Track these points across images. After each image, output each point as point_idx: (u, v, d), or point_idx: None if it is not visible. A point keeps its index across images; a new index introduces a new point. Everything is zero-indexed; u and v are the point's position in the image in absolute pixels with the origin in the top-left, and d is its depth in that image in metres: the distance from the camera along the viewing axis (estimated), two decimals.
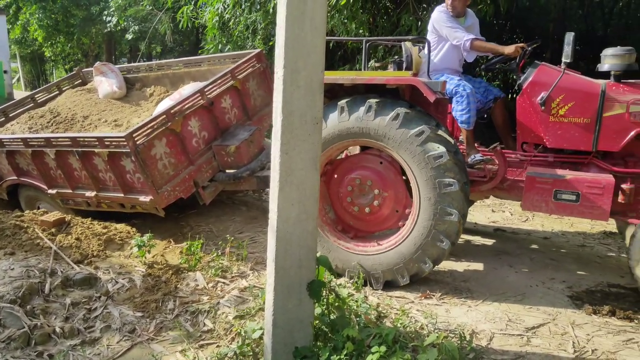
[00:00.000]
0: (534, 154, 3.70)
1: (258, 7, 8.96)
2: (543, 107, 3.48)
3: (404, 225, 3.55)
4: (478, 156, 3.70)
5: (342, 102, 3.51)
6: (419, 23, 7.07)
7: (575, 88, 3.42)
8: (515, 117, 3.70)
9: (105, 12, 17.56)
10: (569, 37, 3.24)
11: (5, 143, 4.90)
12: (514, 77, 3.81)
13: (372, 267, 3.55)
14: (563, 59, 3.30)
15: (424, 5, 7.79)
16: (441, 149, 3.26)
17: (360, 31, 7.35)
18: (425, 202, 3.33)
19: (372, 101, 3.41)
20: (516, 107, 3.66)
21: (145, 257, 3.89)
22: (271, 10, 8.51)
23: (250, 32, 9.64)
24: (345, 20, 7.33)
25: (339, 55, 9.20)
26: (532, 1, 10.14)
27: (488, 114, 4.04)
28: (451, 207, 3.28)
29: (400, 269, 3.47)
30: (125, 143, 3.93)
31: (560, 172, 3.42)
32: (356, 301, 3.11)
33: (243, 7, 9.04)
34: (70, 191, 4.67)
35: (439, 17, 3.91)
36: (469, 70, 4.29)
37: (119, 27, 17.03)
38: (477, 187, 3.79)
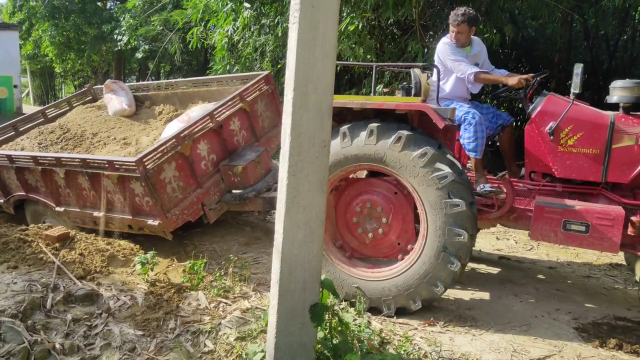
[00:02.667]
0: (543, 183, 3.68)
1: (267, 30, 9.12)
2: (552, 137, 3.49)
3: (402, 258, 3.54)
4: (487, 186, 3.67)
5: (344, 128, 3.50)
6: (426, 50, 7.18)
7: (584, 119, 3.43)
8: (522, 145, 3.71)
9: (117, 31, 17.86)
10: (578, 68, 3.27)
11: (15, 159, 4.92)
12: (521, 106, 3.83)
13: (381, 293, 3.50)
14: (572, 90, 3.33)
15: (431, 33, 7.91)
16: (446, 169, 3.25)
17: (368, 56, 7.45)
18: (433, 224, 3.30)
19: (373, 125, 3.40)
20: (524, 136, 3.66)
21: (148, 275, 3.87)
22: (280, 33, 8.66)
23: (258, 54, 9.79)
24: (354, 45, 7.45)
25: (345, 79, 9.31)
26: (538, 31, 10.29)
27: (495, 140, 4.05)
28: (459, 228, 3.25)
29: (411, 293, 3.42)
30: (136, 167, 3.94)
31: (569, 202, 3.40)
32: (359, 326, 3.07)
33: (252, 29, 9.21)
34: (79, 210, 4.66)
35: (443, 50, 3.94)
36: (476, 96, 4.31)
37: (130, 46, 17.30)
38: (485, 216, 3.77)
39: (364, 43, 7.41)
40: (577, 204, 3.35)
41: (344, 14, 7.22)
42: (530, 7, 8.11)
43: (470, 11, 3.88)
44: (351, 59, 7.50)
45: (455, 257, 3.27)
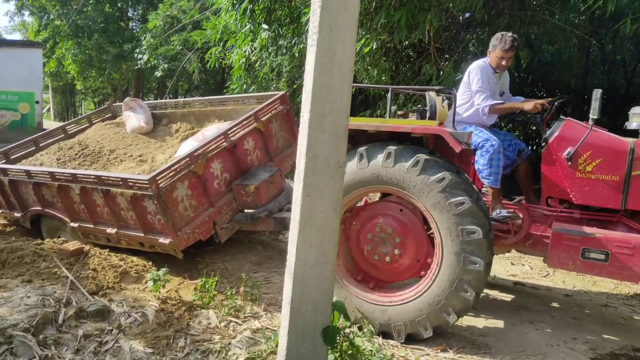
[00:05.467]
0: (560, 209, 3.62)
1: (284, 51, 9.26)
2: (569, 163, 3.44)
3: (425, 274, 3.45)
4: (504, 212, 3.61)
5: (361, 149, 3.48)
6: (440, 73, 7.20)
7: (603, 145, 3.39)
8: (537, 170, 3.67)
9: (137, 50, 18.29)
10: (597, 93, 3.23)
11: (33, 174, 5.00)
12: (539, 130, 3.79)
13: (391, 318, 3.43)
14: (591, 115, 3.28)
15: (446, 56, 7.96)
16: (463, 195, 3.19)
17: (383, 78, 7.50)
18: (448, 251, 3.23)
19: (391, 148, 3.38)
20: (541, 161, 3.62)
21: (160, 292, 3.87)
22: (297, 54, 8.78)
23: (275, 75, 9.93)
24: (368, 67, 7.51)
25: (359, 100, 9.37)
26: (554, 56, 10.28)
27: (512, 169, 3.99)
28: (475, 256, 3.17)
29: (423, 320, 3.33)
30: (148, 186, 3.97)
31: (588, 229, 3.31)
32: (370, 350, 3.03)
33: (269, 50, 9.36)
34: (92, 226, 4.70)
35: (475, 73, 3.88)
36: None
37: (149, 65, 17.69)
38: (500, 241, 3.70)
39: (379, 65, 7.47)
40: (596, 232, 3.27)
41: (359, 36, 7.30)
42: (547, 32, 8.13)
43: (514, 35, 3.85)
44: (366, 81, 7.55)
45: (470, 286, 3.19)
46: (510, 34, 3.86)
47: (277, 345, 2.63)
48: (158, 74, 17.67)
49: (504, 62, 3.85)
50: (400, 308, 3.42)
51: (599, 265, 3.22)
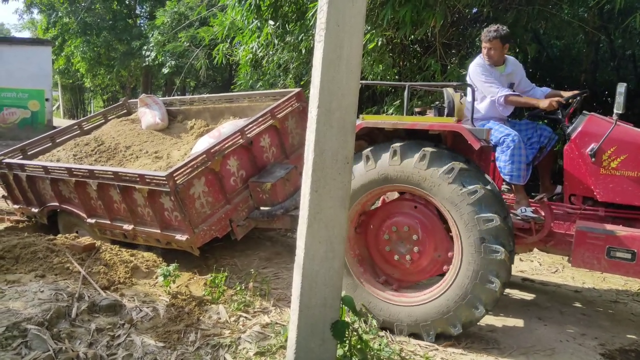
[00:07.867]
0: (584, 207, 3.53)
1: (291, 47, 9.27)
2: (593, 159, 3.36)
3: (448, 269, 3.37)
4: (529, 211, 3.54)
5: (367, 151, 3.42)
6: (448, 68, 7.17)
7: (629, 140, 3.30)
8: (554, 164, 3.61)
9: (145, 47, 18.37)
10: (621, 87, 3.14)
11: (50, 170, 5.05)
12: (562, 126, 3.71)
13: (419, 319, 3.37)
14: (615, 110, 3.20)
15: (453, 52, 7.92)
16: (475, 183, 3.11)
17: (388, 74, 7.48)
18: (467, 243, 3.15)
19: (396, 145, 3.32)
20: (564, 158, 3.55)
21: (170, 287, 3.91)
22: (303, 50, 8.78)
23: (282, 71, 9.93)
24: (373, 63, 7.49)
25: (366, 95, 9.35)
26: (563, 51, 10.19)
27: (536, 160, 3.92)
28: (496, 244, 3.09)
29: (451, 317, 3.26)
30: (166, 182, 3.98)
31: (613, 227, 3.22)
32: (379, 345, 3.05)
33: (276, 47, 9.36)
34: (109, 222, 4.73)
35: (474, 71, 3.88)
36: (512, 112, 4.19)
37: (157, 62, 17.76)
38: (522, 240, 3.62)
39: (383, 61, 7.44)
40: (622, 230, 3.18)
41: (364, 31, 7.25)
42: (555, 27, 8.05)
43: (503, 28, 3.85)
44: (370, 76, 7.53)
45: (494, 276, 3.10)
46: (495, 25, 3.87)
47: (286, 340, 2.66)
48: (166, 70, 17.75)
49: (487, 52, 3.85)
50: (425, 307, 3.34)
51: (625, 265, 3.12)
